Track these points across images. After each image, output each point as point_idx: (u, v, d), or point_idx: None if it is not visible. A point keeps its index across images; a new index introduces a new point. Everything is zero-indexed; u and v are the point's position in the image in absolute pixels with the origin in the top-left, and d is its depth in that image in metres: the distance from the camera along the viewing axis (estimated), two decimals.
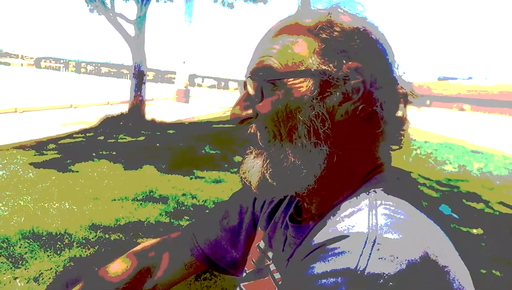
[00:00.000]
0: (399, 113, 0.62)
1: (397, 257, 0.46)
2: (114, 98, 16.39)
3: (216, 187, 4.92)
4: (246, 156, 0.65)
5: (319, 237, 0.53)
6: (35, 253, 2.81)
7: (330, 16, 0.61)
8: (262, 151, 0.62)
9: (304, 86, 0.58)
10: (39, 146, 6.36)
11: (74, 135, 7.81)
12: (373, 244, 0.47)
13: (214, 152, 6.97)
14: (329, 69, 0.58)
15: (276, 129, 0.60)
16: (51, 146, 6.48)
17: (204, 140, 7.80)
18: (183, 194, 4.47)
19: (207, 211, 3.94)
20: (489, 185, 6.93)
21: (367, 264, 0.46)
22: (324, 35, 0.59)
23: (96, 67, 51.20)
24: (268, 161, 0.61)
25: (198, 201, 4.30)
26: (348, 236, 0.50)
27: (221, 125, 10.53)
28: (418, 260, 0.47)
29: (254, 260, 0.76)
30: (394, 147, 0.65)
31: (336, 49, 0.59)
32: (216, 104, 20.38)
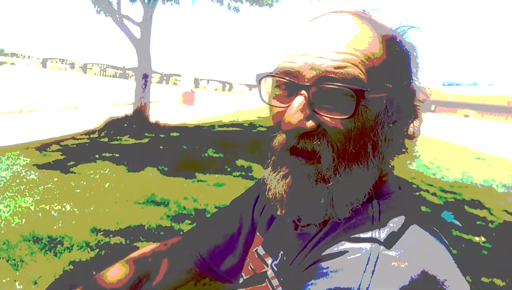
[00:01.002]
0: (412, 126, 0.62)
1: (399, 274, 0.46)
2: (119, 100, 16.45)
3: (218, 191, 4.91)
4: (293, 174, 0.57)
5: (322, 250, 0.53)
6: (35, 255, 2.81)
7: (394, 33, 0.59)
8: (326, 172, 0.55)
9: (380, 104, 0.55)
10: (43, 147, 6.38)
11: (77, 137, 7.83)
12: (376, 261, 0.47)
13: (217, 155, 6.96)
14: (397, 89, 0.57)
15: (342, 147, 0.55)
16: (55, 147, 6.50)
17: (208, 143, 7.80)
18: (185, 198, 4.46)
19: (208, 216, 3.93)
20: (492, 192, 6.89)
21: (370, 281, 0.46)
22: (393, 52, 0.57)
23: (102, 68, 51.43)
24: (331, 183, 0.55)
25: (200, 205, 4.29)
26: (352, 251, 0.50)
27: (224, 129, 10.53)
28: (420, 276, 0.47)
29: (252, 266, 0.76)
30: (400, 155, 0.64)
31: (400, 67, 0.57)
32: (221, 107, 20.39)
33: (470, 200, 6.06)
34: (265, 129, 10.36)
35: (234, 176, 5.72)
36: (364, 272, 0.46)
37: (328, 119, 0.53)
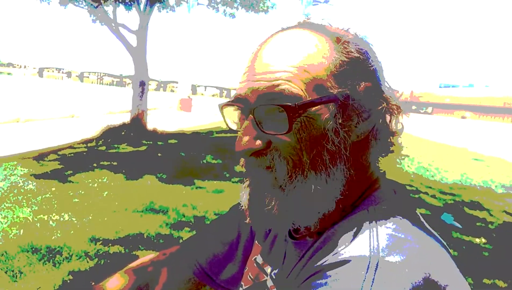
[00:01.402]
0: (391, 125, 0.62)
1: (400, 281, 0.46)
2: (116, 108, 16.44)
3: (217, 197, 4.90)
4: (252, 190, 0.60)
5: (320, 260, 0.53)
6: (34, 266, 2.79)
7: (340, 35, 0.60)
8: (282, 185, 0.57)
9: (327, 111, 0.56)
10: (40, 156, 6.36)
11: (75, 146, 7.81)
12: (376, 269, 0.47)
13: (215, 161, 6.95)
14: (349, 92, 0.56)
15: (297, 159, 0.56)
16: (52, 156, 6.48)
17: (206, 150, 7.79)
18: (184, 205, 4.45)
19: (207, 223, 3.91)
20: (491, 193, 6.88)
21: (371, 288, 0.45)
22: (336, 55, 0.57)
23: (99, 77, 51.47)
24: (290, 195, 0.57)
25: (199, 212, 4.27)
26: (349, 261, 0.49)
27: (222, 135, 10.53)
28: (421, 282, 0.46)
29: (251, 275, 0.75)
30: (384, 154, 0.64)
31: (350, 70, 0.57)
32: (219, 113, 20.36)
33: (470, 202, 6.05)
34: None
35: (233, 182, 5.70)
36: (364, 280, 0.46)
37: (273, 136, 0.56)
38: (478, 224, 4.91)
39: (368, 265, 0.47)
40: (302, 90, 0.55)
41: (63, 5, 10.62)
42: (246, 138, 0.57)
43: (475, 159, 10.91)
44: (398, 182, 0.65)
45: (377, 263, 0.47)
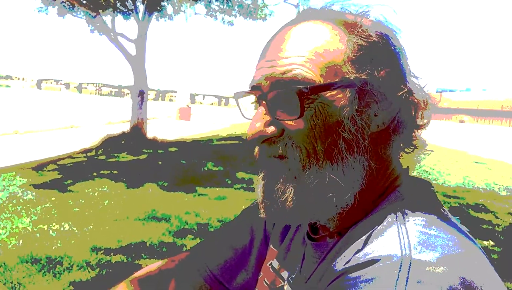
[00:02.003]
0: (415, 118, 0.58)
1: (436, 280, 0.42)
2: (116, 118, 16.44)
3: (220, 204, 4.85)
4: (266, 180, 0.57)
5: (346, 262, 0.49)
6: (34, 277, 2.73)
7: (357, 19, 0.56)
8: (296, 174, 0.54)
9: (343, 97, 0.53)
10: (39, 167, 6.32)
11: (74, 155, 7.77)
12: (409, 267, 0.43)
13: (216, 169, 6.91)
14: (367, 78, 0.53)
15: (311, 147, 0.53)
16: (52, 166, 6.44)
17: (206, 157, 7.76)
18: (186, 213, 4.39)
19: (213, 229, 3.86)
20: (495, 196, 6.85)
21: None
22: (354, 40, 0.54)
23: (97, 87, 51.64)
24: (304, 186, 0.54)
25: (202, 219, 4.21)
26: (381, 260, 0.46)
27: (223, 142, 10.50)
28: (458, 281, 0.43)
29: (267, 281, 0.71)
30: (408, 150, 0.60)
31: (369, 55, 0.54)
32: (218, 122, 20.42)
33: (474, 204, 6.01)
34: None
35: (235, 188, 5.66)
36: (398, 280, 0.43)
37: (288, 123, 0.54)
38: (484, 226, 4.86)
39: (401, 264, 0.44)
40: (316, 75, 0.53)
41: (61, 15, 10.64)
42: (258, 125, 0.55)
43: (476, 162, 10.89)
44: (422, 178, 0.60)
45: (410, 261, 0.44)
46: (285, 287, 0.65)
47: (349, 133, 0.53)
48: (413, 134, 0.58)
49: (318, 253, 0.60)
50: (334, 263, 0.52)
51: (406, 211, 0.51)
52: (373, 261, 0.45)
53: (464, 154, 12.69)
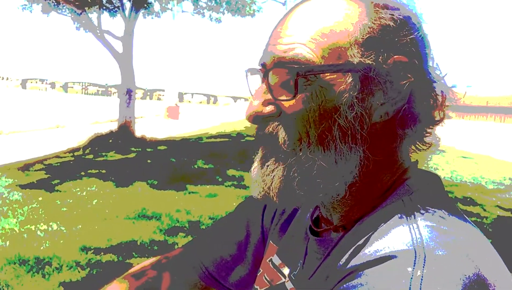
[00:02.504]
0: (434, 113, 0.55)
1: (451, 277, 0.41)
2: (103, 117, 16.28)
3: (211, 201, 4.83)
4: (259, 158, 0.55)
5: (355, 258, 0.47)
6: (22, 278, 2.68)
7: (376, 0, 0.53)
8: (285, 155, 0.52)
9: (344, 82, 0.50)
10: (25, 167, 6.22)
11: (61, 155, 7.67)
12: (424, 264, 0.42)
13: (207, 166, 6.88)
14: (373, 63, 0.50)
15: (304, 131, 0.51)
16: (38, 166, 6.34)
17: (196, 155, 7.72)
18: (177, 210, 4.36)
19: (205, 227, 3.83)
20: (482, 189, 6.96)
21: (420, 288, 0.40)
22: (365, 22, 0.51)
23: (84, 87, 51.09)
24: (292, 168, 0.52)
25: (193, 217, 4.19)
26: (393, 256, 0.44)
27: (212, 140, 10.46)
28: (473, 278, 0.42)
29: (267, 277, 0.68)
30: (421, 147, 0.57)
31: (380, 39, 0.51)
32: (207, 120, 20.35)
33: (462, 198, 6.11)
34: (253, 138, 10.31)
35: (226, 186, 5.65)
36: (412, 278, 0.41)
37: (284, 103, 0.52)
38: (472, 219, 4.91)
39: (415, 261, 0.42)
40: (317, 56, 0.50)
41: (45, 13, 10.49)
42: (255, 103, 0.53)
43: (463, 157, 11.05)
44: (431, 172, 0.58)
45: (425, 257, 0.42)
46: (287, 284, 0.63)
47: (346, 121, 0.50)
48: (427, 129, 0.55)
49: (322, 248, 0.58)
50: (341, 260, 0.50)
51: (417, 205, 0.49)
52: (386, 258, 0.44)
53: (451, 149, 12.85)
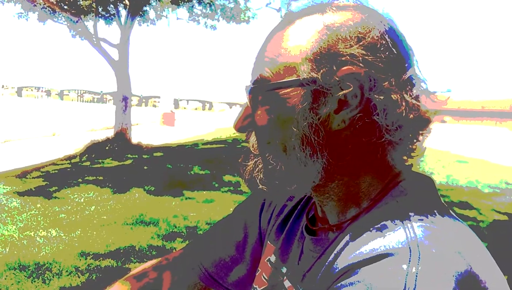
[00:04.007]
0: (413, 118, 0.55)
1: (444, 275, 0.43)
2: (98, 125, 16.23)
3: (208, 207, 4.84)
4: (245, 161, 0.62)
5: (350, 257, 0.49)
6: (22, 284, 2.68)
7: (323, 15, 0.55)
8: (254, 156, 0.61)
9: (295, 96, 0.54)
10: (23, 174, 6.20)
11: (58, 162, 7.65)
12: (418, 261, 0.43)
13: (203, 172, 6.89)
14: (319, 77, 0.53)
15: (271, 140, 0.57)
16: (36, 173, 6.33)
17: (193, 161, 7.72)
18: (175, 216, 4.37)
19: (200, 233, 3.84)
20: (478, 193, 6.99)
21: (415, 284, 0.42)
22: (317, 38, 0.54)
23: (79, 94, 50.88)
24: (260, 167, 0.59)
25: (190, 222, 4.20)
26: (388, 254, 0.45)
27: (208, 146, 10.46)
28: (465, 275, 0.44)
29: (265, 277, 0.71)
30: (413, 154, 0.58)
31: (328, 52, 0.53)
32: (203, 126, 20.33)
33: (458, 202, 6.13)
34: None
35: (222, 191, 5.65)
36: (407, 275, 0.43)
37: (256, 117, 0.59)
38: (469, 223, 4.91)
39: (410, 258, 0.44)
40: (272, 74, 0.56)
41: (41, 21, 10.49)
42: (237, 118, 0.61)
43: (459, 161, 11.09)
44: (424, 174, 0.60)
45: (419, 256, 0.44)
46: (285, 282, 0.64)
47: (301, 130, 0.54)
48: (415, 135, 0.57)
49: (318, 247, 0.60)
50: (337, 258, 0.52)
51: (410, 206, 0.51)
52: (381, 256, 0.45)
53: (446, 153, 12.90)
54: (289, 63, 0.55)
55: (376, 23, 0.55)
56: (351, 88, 0.53)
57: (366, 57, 0.53)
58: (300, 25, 0.57)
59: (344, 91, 0.53)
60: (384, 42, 0.53)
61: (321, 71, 0.53)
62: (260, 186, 0.59)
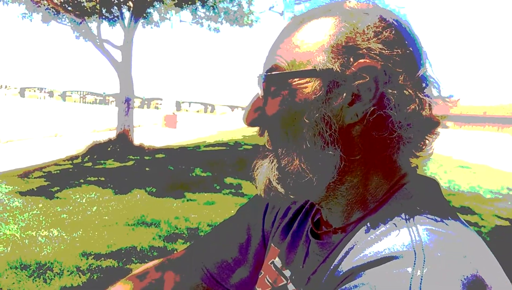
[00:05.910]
0: (424, 118, 0.55)
1: (450, 278, 0.42)
2: (101, 126, 16.25)
3: (209, 209, 4.83)
4: (258, 158, 0.61)
5: (355, 259, 0.48)
6: (23, 283, 2.68)
7: (340, 10, 0.56)
8: (270, 153, 0.58)
9: (310, 86, 0.54)
10: (25, 174, 6.21)
11: (60, 163, 7.66)
12: (423, 264, 0.43)
13: (205, 174, 6.89)
14: (336, 68, 0.53)
15: (283, 131, 0.56)
16: (37, 173, 6.33)
17: (194, 163, 7.72)
18: (176, 217, 4.37)
19: (203, 233, 3.84)
20: (480, 198, 6.97)
21: (420, 287, 0.41)
22: (335, 31, 0.54)
23: (82, 95, 51.00)
24: (274, 164, 0.57)
25: (192, 224, 4.20)
26: (393, 257, 0.45)
27: (210, 148, 10.46)
28: (471, 279, 0.43)
29: (269, 280, 0.70)
30: (419, 154, 0.58)
31: (345, 45, 0.53)
32: (204, 129, 20.34)
33: (460, 207, 6.10)
34: (250, 147, 10.33)
35: (224, 194, 5.65)
36: (412, 278, 0.42)
37: (267, 108, 0.57)
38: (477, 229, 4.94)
39: (415, 262, 0.43)
40: (287, 64, 0.55)
41: (45, 22, 10.54)
42: (248, 109, 0.59)
43: (461, 167, 11.06)
44: (430, 177, 0.60)
45: (424, 259, 0.44)
46: (289, 286, 0.64)
47: (312, 122, 0.53)
48: (425, 136, 0.56)
49: (323, 250, 0.59)
50: (341, 261, 0.51)
51: (415, 209, 0.51)
52: (386, 259, 0.45)
53: (448, 159, 12.87)
54: (305, 54, 0.55)
55: (393, 21, 0.55)
56: (367, 79, 0.52)
57: (383, 51, 0.52)
58: (317, 20, 0.57)
59: (360, 82, 0.52)
60: (400, 39, 0.54)
61: (338, 62, 0.53)
62: (275, 185, 0.57)
